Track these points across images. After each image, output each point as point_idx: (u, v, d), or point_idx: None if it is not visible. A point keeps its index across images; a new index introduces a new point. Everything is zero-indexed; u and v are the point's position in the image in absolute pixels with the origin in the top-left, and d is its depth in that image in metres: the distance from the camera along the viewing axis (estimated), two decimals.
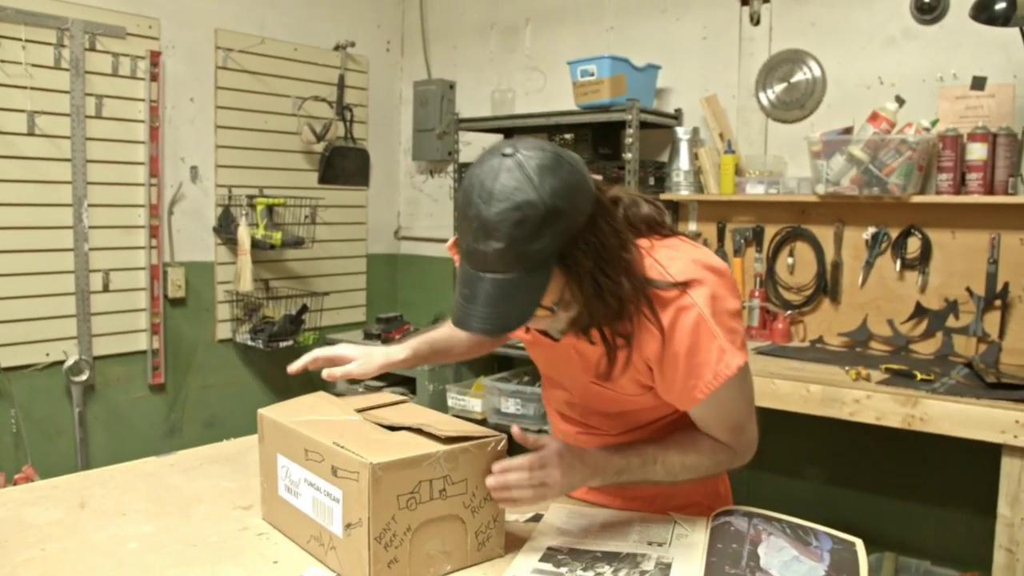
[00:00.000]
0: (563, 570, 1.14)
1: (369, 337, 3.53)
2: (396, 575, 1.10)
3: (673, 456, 1.20)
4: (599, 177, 1.18)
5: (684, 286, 1.11)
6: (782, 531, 1.21)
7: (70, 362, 2.94)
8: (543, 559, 1.18)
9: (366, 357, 1.40)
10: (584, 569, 1.14)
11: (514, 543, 1.24)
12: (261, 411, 1.29)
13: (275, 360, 3.51)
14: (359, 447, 1.11)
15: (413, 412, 1.28)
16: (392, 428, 1.18)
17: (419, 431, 1.16)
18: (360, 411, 1.27)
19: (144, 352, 3.16)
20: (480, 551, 1.17)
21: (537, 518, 1.34)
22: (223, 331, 3.40)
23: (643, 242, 1.16)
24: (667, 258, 1.15)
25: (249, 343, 3.35)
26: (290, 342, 3.30)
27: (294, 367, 1.40)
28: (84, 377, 2.97)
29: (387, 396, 1.36)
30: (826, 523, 1.26)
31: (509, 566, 1.16)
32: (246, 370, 3.49)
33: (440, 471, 1.11)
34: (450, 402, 3.30)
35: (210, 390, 3.39)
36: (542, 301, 1.07)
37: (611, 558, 1.17)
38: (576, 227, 1.03)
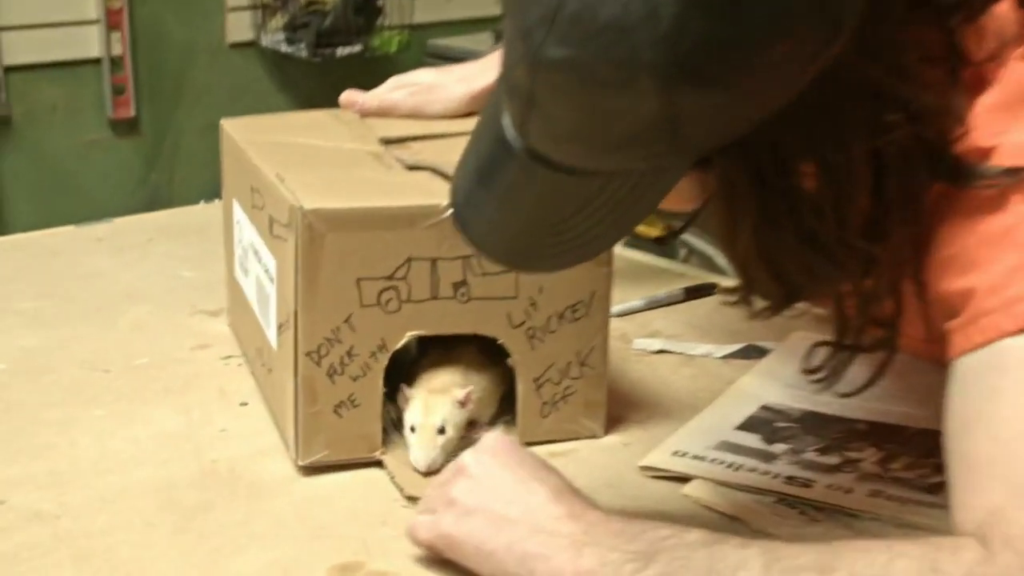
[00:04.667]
0: (779, 449, 1.13)
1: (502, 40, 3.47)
2: (353, 431, 1.09)
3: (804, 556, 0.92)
4: None
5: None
6: None
7: None
8: (745, 425, 1.19)
9: (439, 89, 1.42)
10: (822, 452, 1.14)
11: (671, 408, 1.23)
12: (223, 122, 1.37)
13: (329, 78, 3.42)
14: (310, 183, 1.09)
15: None
16: (413, 167, 1.17)
17: (447, 176, 1.12)
18: (391, 141, 1.27)
19: (97, 61, 3.21)
20: (543, 421, 1.15)
21: (751, 352, 1.36)
22: (238, 27, 3.43)
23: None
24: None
25: (284, 49, 3.37)
26: (356, 47, 3.28)
27: (356, 105, 1.42)
28: None
29: (462, 123, 1.37)
30: None
31: (674, 436, 1.16)
32: (280, 97, 3.54)
33: (454, 245, 1.06)
34: None
35: (218, 132, 3.45)
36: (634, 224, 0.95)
37: (882, 434, 1.15)
38: (754, 113, 0.85)
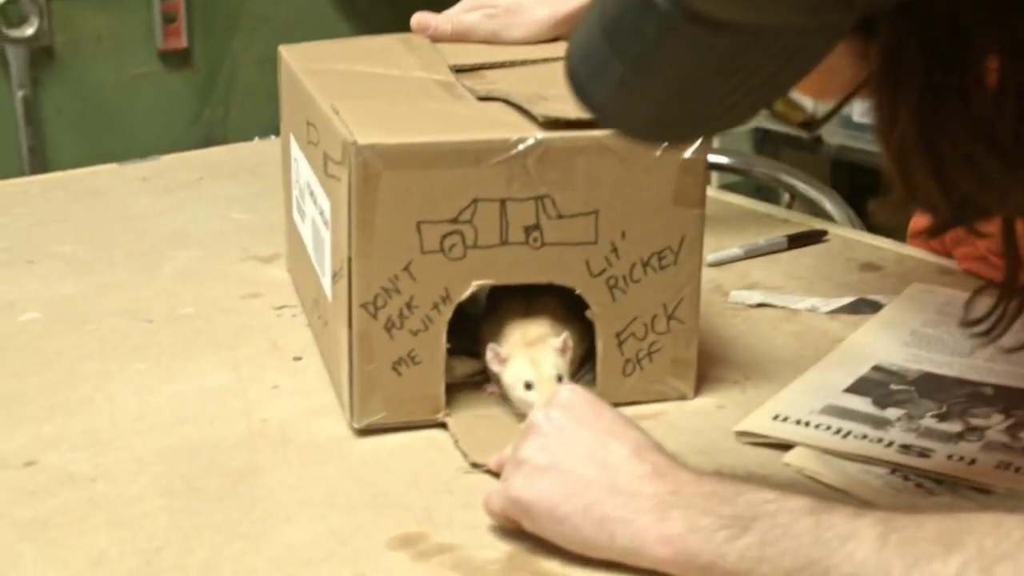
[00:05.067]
0: (893, 415, 1.13)
1: None
2: (414, 392, 1.10)
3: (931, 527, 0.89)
4: None
5: None
6: None
7: None
8: (855, 388, 1.18)
9: (520, 12, 1.42)
10: (942, 418, 1.12)
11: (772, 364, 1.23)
12: (282, 49, 1.39)
13: (401, 6, 3.43)
14: (367, 116, 1.09)
15: (561, 77, 1.27)
16: (485, 98, 1.19)
17: (521, 108, 1.13)
18: (464, 69, 1.28)
19: None
20: (626, 380, 1.15)
21: (861, 306, 1.36)
22: None
23: None
24: None
25: None
26: None
27: (428, 29, 1.45)
28: (31, 31, 3.04)
29: (544, 50, 1.39)
30: None
31: (774, 399, 1.16)
32: (346, 27, 3.52)
33: (526, 184, 1.06)
34: None
35: (277, 65, 3.45)
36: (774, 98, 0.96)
37: (1011, 399, 1.15)
38: None
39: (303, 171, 1.26)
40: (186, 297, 1.33)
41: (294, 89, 1.29)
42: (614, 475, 0.94)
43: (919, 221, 1.59)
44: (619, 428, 0.99)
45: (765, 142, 3.31)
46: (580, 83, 0.90)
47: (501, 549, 0.92)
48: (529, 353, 1.09)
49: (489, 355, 1.09)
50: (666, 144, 1.08)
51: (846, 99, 0.98)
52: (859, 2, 0.81)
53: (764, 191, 2.22)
